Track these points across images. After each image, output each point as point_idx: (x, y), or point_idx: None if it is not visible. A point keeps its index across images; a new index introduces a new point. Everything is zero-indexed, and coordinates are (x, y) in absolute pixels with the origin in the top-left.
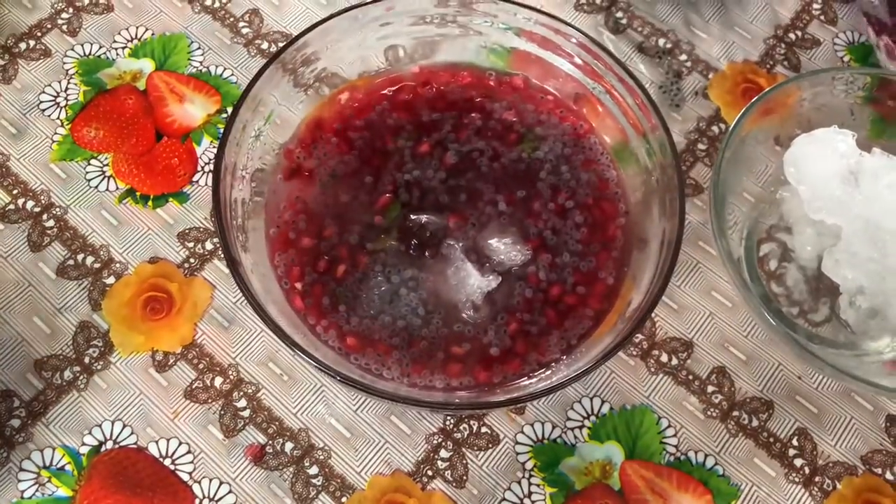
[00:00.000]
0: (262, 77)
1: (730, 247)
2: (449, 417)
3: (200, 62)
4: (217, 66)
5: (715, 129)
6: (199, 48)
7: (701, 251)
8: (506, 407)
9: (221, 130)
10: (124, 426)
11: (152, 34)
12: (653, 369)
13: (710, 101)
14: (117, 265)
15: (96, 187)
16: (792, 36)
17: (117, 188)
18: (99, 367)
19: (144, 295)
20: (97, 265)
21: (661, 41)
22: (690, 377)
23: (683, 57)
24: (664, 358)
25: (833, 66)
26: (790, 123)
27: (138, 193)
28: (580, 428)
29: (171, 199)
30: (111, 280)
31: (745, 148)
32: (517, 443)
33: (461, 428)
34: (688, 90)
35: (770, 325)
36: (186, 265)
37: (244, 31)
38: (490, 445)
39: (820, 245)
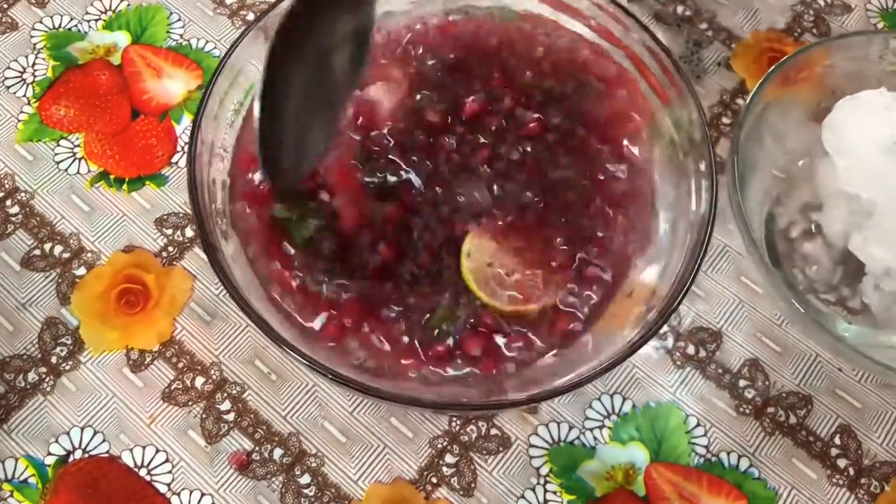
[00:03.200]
0: (242, 44)
1: (752, 227)
2: (455, 418)
3: (180, 35)
4: (198, 39)
5: (739, 101)
6: (178, 20)
7: (727, 233)
8: (519, 407)
9: None
10: (95, 433)
11: (128, 5)
12: (679, 362)
13: (734, 72)
14: (88, 255)
15: (66, 170)
16: (821, 1)
17: (89, 171)
18: (67, 368)
19: (118, 287)
20: (66, 255)
21: (680, 8)
22: (720, 371)
23: (704, 25)
24: (691, 350)
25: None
26: (816, 93)
27: (112, 176)
28: (600, 428)
29: (147, 183)
30: (81, 271)
31: (768, 120)
32: (531, 445)
33: (469, 430)
34: (709, 61)
35: (797, 313)
36: (165, 254)
37: (228, 0)
38: (501, 449)
39: (850, 223)
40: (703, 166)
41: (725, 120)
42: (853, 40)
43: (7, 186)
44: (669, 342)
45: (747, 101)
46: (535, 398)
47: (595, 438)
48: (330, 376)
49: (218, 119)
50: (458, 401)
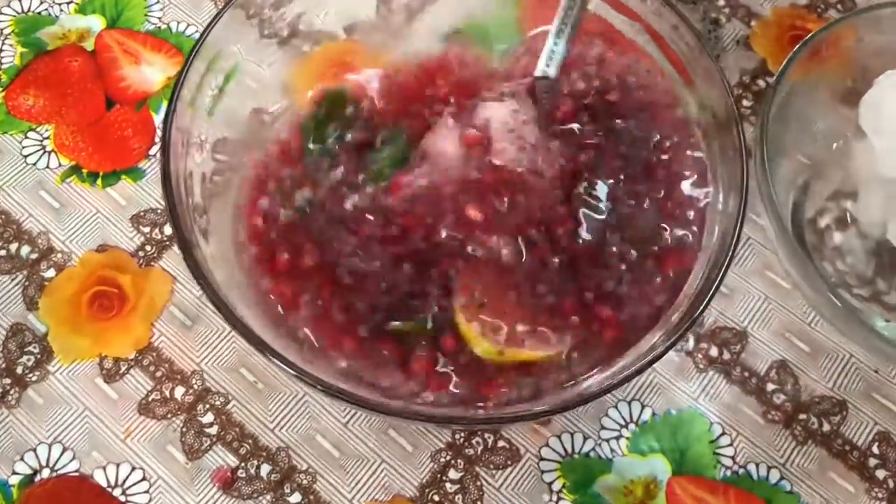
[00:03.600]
0: (220, 23)
1: (781, 217)
2: (459, 430)
3: (159, 18)
4: (179, 23)
5: (761, 82)
6: (157, 2)
7: (750, 224)
8: (529, 421)
9: None
10: (64, 450)
11: None
12: (701, 365)
13: (754, 51)
14: (59, 255)
15: (34, 164)
16: None
17: (60, 165)
18: (34, 379)
19: (91, 290)
20: (34, 256)
21: None
22: (746, 374)
23: (721, 2)
24: (714, 352)
25: None
26: (844, 72)
27: (85, 171)
28: (617, 439)
29: (123, 177)
30: (51, 273)
31: (795, 102)
32: (542, 458)
33: (474, 442)
34: (728, 39)
35: (832, 308)
36: (142, 254)
37: None
38: (509, 462)
39: (889, 211)
40: (730, 148)
41: (746, 103)
42: (883, 13)
43: None
44: (690, 344)
45: (774, 81)
46: (543, 413)
47: (612, 450)
48: (319, 388)
49: (195, 105)
50: (462, 414)
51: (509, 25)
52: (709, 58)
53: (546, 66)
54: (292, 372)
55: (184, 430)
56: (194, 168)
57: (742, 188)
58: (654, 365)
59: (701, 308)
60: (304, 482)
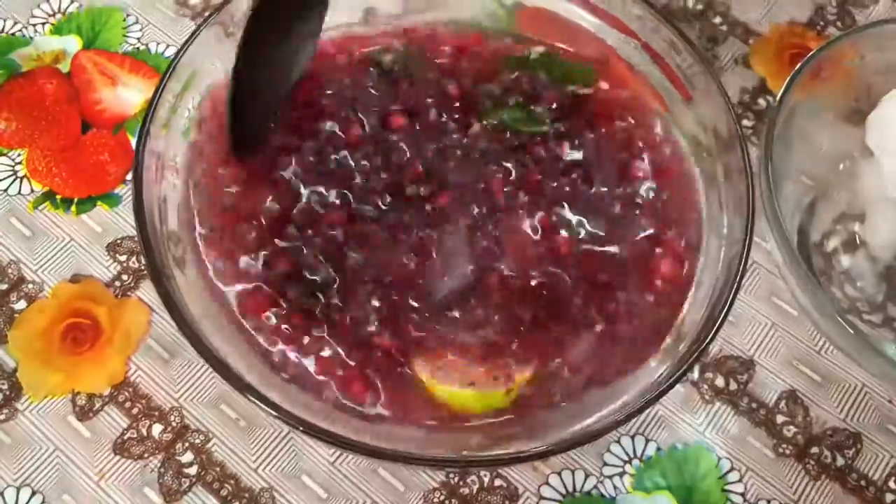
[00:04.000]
0: (196, 41)
1: (790, 242)
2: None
3: (138, 39)
4: (158, 44)
5: (761, 101)
6: (136, 22)
7: (756, 248)
8: (527, 462)
9: None
10: (34, 493)
11: (79, 7)
12: (707, 396)
13: (753, 70)
14: (30, 286)
15: (5, 191)
16: None
17: (32, 191)
18: (1, 418)
19: (64, 322)
20: (3, 286)
21: (691, 2)
22: (754, 405)
23: (718, 20)
24: (720, 382)
25: None
26: (848, 91)
27: (59, 197)
28: (620, 475)
29: (99, 203)
30: (21, 305)
31: (797, 122)
32: (541, 497)
33: (469, 481)
34: (726, 58)
35: (844, 336)
36: (118, 283)
37: (192, 1)
38: (507, 502)
39: None
40: (733, 168)
41: (747, 123)
42: (885, 30)
43: None
44: (695, 373)
45: (777, 100)
46: (543, 454)
47: (615, 487)
48: (300, 429)
49: (169, 127)
50: (456, 456)
51: None
52: (709, 73)
53: None
54: (272, 413)
55: (161, 470)
56: (169, 193)
57: (749, 210)
58: None
59: (709, 338)
60: None
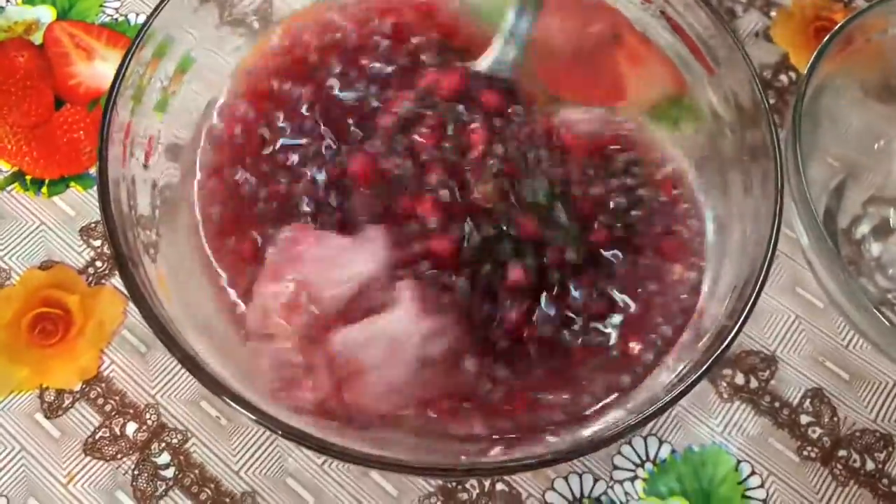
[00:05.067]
0: (169, 5)
1: (819, 226)
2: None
3: (116, 9)
4: (138, 15)
5: (783, 78)
6: None
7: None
8: (532, 470)
9: None
10: None
11: None
12: (725, 395)
13: (775, 44)
14: None
15: None
16: None
17: (0, 171)
18: None
19: (32, 312)
20: None
21: None
22: (777, 404)
23: None
24: (739, 379)
25: None
26: (877, 67)
27: (28, 177)
28: (632, 480)
29: (72, 184)
30: None
31: (823, 99)
32: (546, 503)
33: (468, 486)
34: (746, 31)
35: (877, 328)
36: (91, 270)
37: None
38: None
39: None
40: (759, 145)
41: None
42: None
43: None
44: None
45: (805, 75)
46: (548, 462)
47: (626, 493)
48: (280, 433)
49: (140, 99)
50: (449, 464)
51: None
52: (731, 40)
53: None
54: (250, 416)
55: (136, 472)
56: (139, 173)
57: (776, 189)
58: None
59: (733, 333)
60: None
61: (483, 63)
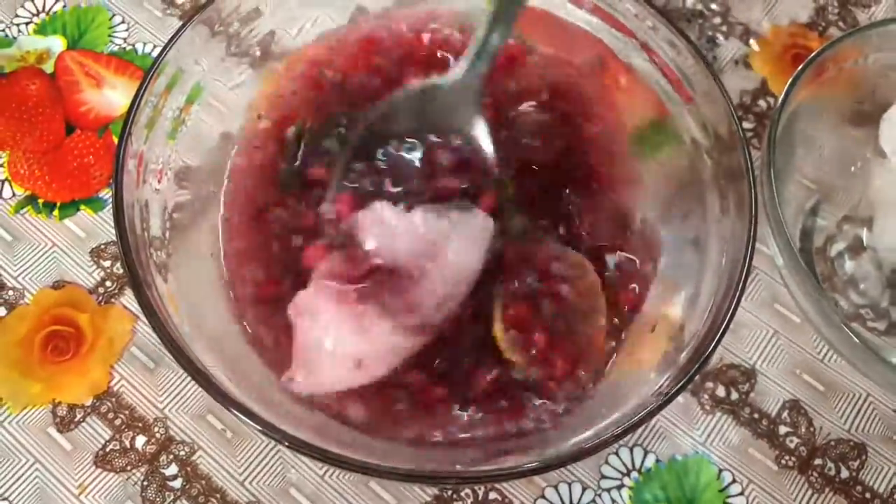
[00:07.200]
0: (182, 38)
1: (793, 246)
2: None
3: (124, 39)
4: (145, 44)
5: (762, 103)
6: (122, 22)
7: (757, 253)
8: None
9: None
10: None
11: (64, 6)
12: (707, 407)
13: (753, 71)
14: (10, 293)
15: None
16: None
17: (14, 195)
18: None
19: (45, 330)
20: None
21: (690, 1)
22: (756, 415)
23: (717, 20)
24: (720, 391)
25: None
26: (851, 92)
27: (41, 201)
28: (619, 488)
29: (83, 207)
30: (1, 312)
31: (799, 124)
32: None
33: (463, 494)
34: (725, 59)
35: (848, 344)
36: (101, 290)
37: (179, 0)
38: None
39: None
40: (735, 169)
41: (747, 125)
42: (889, 29)
43: None
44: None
45: (780, 101)
46: (537, 469)
47: (613, 501)
48: (286, 444)
49: (153, 127)
50: (448, 471)
51: None
52: (709, 73)
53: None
54: (256, 427)
55: (145, 483)
56: (152, 197)
57: (751, 213)
58: None
59: (711, 348)
60: None
61: (451, 75)
